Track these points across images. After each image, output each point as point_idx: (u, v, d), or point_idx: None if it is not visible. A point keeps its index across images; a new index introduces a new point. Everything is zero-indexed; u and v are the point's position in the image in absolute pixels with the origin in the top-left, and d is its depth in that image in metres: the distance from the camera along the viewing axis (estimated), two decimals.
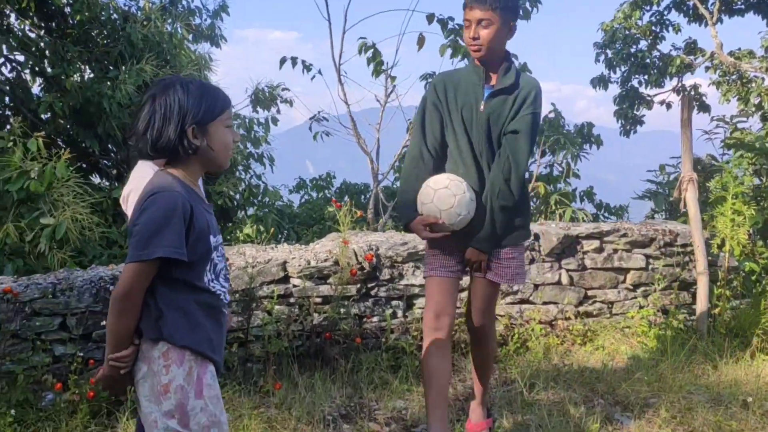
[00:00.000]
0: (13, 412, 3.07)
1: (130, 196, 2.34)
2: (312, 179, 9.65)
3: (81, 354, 3.39)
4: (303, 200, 8.97)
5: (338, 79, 5.73)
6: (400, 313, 4.28)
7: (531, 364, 4.15)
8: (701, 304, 4.65)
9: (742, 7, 10.77)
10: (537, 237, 4.65)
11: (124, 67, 6.63)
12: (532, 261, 4.61)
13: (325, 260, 4.13)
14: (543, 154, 7.74)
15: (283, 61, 6.62)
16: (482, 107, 2.74)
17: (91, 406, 3.24)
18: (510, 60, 2.79)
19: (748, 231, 4.71)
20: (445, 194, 2.71)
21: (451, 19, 6.04)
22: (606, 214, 8.57)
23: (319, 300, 4.08)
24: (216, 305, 1.86)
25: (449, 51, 5.97)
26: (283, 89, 7.60)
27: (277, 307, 3.95)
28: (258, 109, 8.22)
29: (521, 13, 2.86)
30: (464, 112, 2.77)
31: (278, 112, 8.12)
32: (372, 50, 5.65)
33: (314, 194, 9.35)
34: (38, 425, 3.15)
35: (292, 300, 4.05)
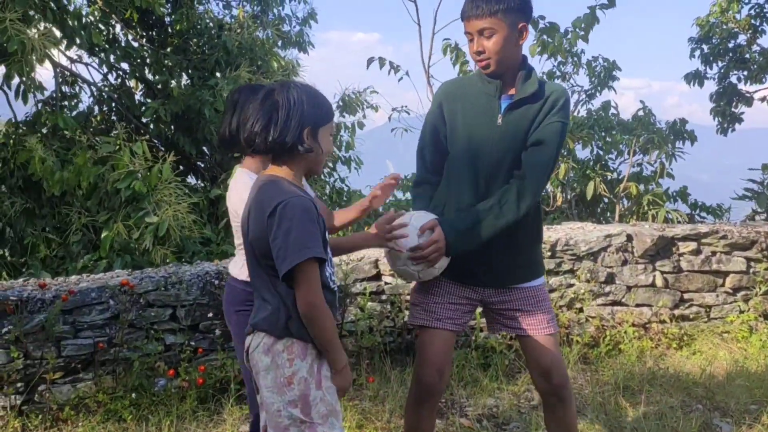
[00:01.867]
0: (133, 395, 3.32)
1: (233, 199, 2.41)
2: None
3: (191, 343, 3.61)
4: (388, 201, 9.09)
5: (427, 81, 5.80)
6: None
7: (624, 367, 4.08)
8: None
9: None
10: (630, 238, 4.56)
11: (219, 74, 6.96)
12: (624, 262, 4.54)
13: None
14: (634, 153, 7.55)
15: (370, 61, 6.75)
16: (500, 121, 2.33)
17: (199, 393, 3.45)
18: (529, 66, 2.37)
19: None
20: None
21: (542, 18, 5.99)
22: (702, 214, 8.25)
23: (409, 297, 4.15)
24: (332, 301, 1.95)
25: (538, 49, 5.92)
26: (372, 92, 7.73)
27: (369, 303, 4.07)
28: (344, 114, 8.41)
29: (531, 12, 2.36)
30: (475, 129, 2.36)
31: (364, 117, 8.28)
32: (456, 51, 5.68)
33: (399, 194, 9.44)
34: (151, 408, 3.38)
35: (383, 297, 4.15)
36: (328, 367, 1.93)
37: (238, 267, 2.45)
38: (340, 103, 8.25)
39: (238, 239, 2.43)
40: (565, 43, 5.65)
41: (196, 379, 3.41)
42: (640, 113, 8.20)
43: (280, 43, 9.22)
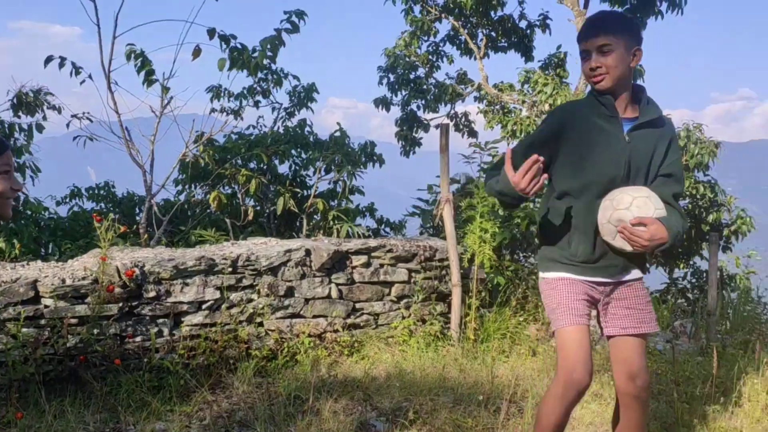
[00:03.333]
0: None
1: None
2: (88, 188, 8.97)
3: None
4: (72, 211, 8.30)
5: (108, 87, 5.44)
6: (166, 332, 4.18)
7: (298, 377, 4.27)
8: (455, 314, 5.13)
9: (505, 45, 12.09)
10: (309, 252, 4.81)
11: None
12: (303, 276, 4.76)
13: (83, 278, 3.91)
14: (328, 171, 8.00)
15: (48, 60, 6.13)
16: (627, 138, 2.54)
17: None
18: (645, 93, 2.60)
19: (493, 246, 5.29)
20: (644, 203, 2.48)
21: (233, 37, 6.01)
22: (386, 229, 9.08)
23: (75, 321, 3.84)
24: None
25: (227, 64, 5.92)
26: (46, 93, 7.00)
27: (24, 330, 3.66)
28: (20, 114, 7.48)
29: (642, 40, 2.59)
30: (602, 147, 2.54)
31: (44, 118, 7.46)
32: (141, 58, 5.40)
33: (92, 204, 8.69)
34: None
35: (42, 322, 3.77)
36: None
37: None
38: (15, 102, 7.33)
39: None
40: (253, 61, 5.75)
41: None
42: (337, 134, 8.76)
43: None
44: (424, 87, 11.30)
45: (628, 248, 2.49)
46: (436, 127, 11.97)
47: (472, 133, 12.08)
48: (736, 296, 7.59)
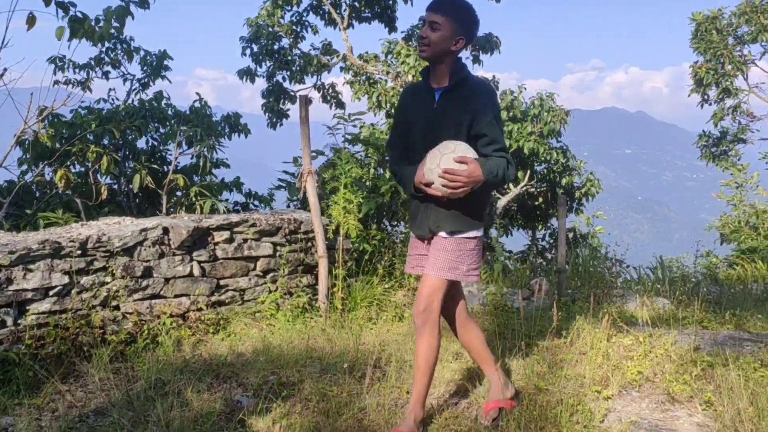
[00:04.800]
0: None
1: None
2: None
3: None
4: None
5: None
6: (9, 321, 3.88)
7: (160, 360, 4.13)
8: (322, 285, 5.16)
9: (369, 15, 12.12)
10: (167, 231, 4.63)
11: None
12: (162, 255, 4.58)
13: None
14: (190, 144, 7.69)
15: None
16: (435, 105, 3.06)
17: None
18: (461, 65, 3.06)
19: (359, 217, 5.36)
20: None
21: (73, 5, 5.56)
22: (256, 203, 8.91)
23: None
24: None
25: (66, 33, 5.47)
26: None
27: None
28: None
29: (472, 35, 3.05)
30: (421, 111, 3.11)
31: None
32: None
33: None
34: None
35: None
36: None
37: None
38: None
39: None
40: (98, 31, 5.37)
41: None
42: (197, 104, 8.41)
43: None
44: (289, 58, 11.11)
45: (446, 194, 2.93)
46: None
47: (340, 105, 12.08)
48: (587, 253, 8.21)
